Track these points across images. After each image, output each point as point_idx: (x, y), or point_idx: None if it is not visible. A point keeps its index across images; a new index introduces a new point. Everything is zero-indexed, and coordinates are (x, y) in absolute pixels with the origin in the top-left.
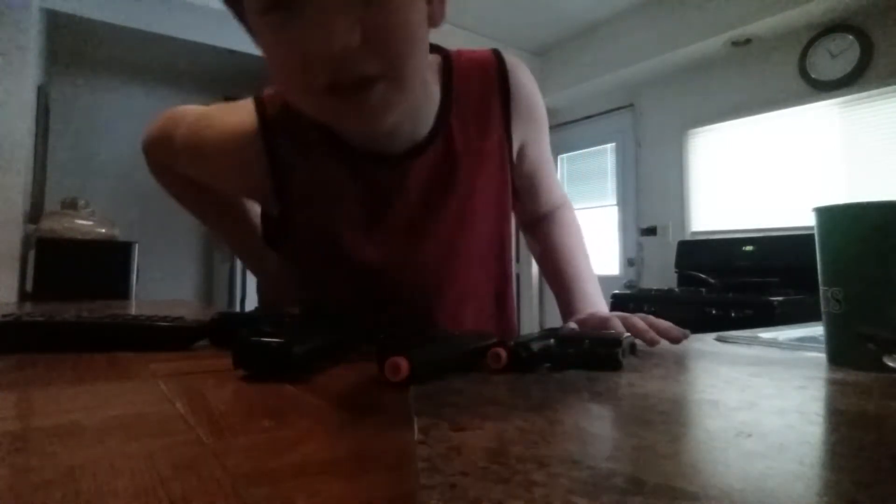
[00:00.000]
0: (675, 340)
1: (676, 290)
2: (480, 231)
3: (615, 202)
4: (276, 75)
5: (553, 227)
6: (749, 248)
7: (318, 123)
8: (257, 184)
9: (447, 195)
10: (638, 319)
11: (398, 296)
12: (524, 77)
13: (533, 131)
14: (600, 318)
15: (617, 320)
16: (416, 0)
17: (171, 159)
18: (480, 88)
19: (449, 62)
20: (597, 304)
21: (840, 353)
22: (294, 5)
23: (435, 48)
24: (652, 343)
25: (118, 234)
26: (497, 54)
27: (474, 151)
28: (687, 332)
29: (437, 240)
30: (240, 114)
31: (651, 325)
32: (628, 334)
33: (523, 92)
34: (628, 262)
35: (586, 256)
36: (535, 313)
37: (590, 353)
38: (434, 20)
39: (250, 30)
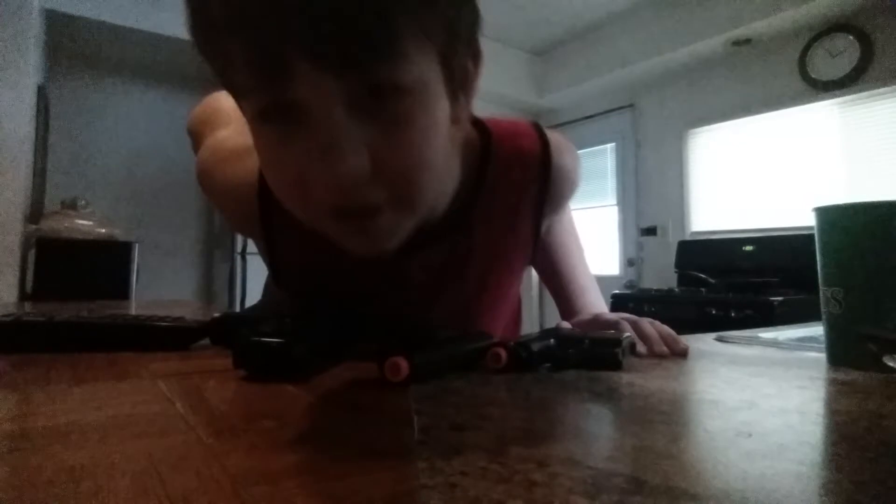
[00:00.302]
0: (682, 354)
1: (676, 290)
2: (490, 300)
3: (615, 202)
4: (272, 186)
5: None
6: (749, 248)
7: None
8: (254, 235)
9: (455, 285)
10: (648, 325)
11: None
12: (568, 161)
13: (563, 207)
14: (606, 320)
15: (627, 324)
16: (436, 115)
17: None
18: (517, 183)
19: (489, 147)
20: (597, 303)
21: (840, 353)
22: (295, 117)
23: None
24: (661, 356)
25: (118, 234)
26: (542, 138)
27: (494, 246)
28: (688, 346)
29: (440, 312)
30: (246, 165)
31: (659, 333)
32: (628, 334)
33: (564, 179)
34: (628, 262)
35: (583, 253)
36: (535, 313)
37: (590, 353)
38: (458, 119)
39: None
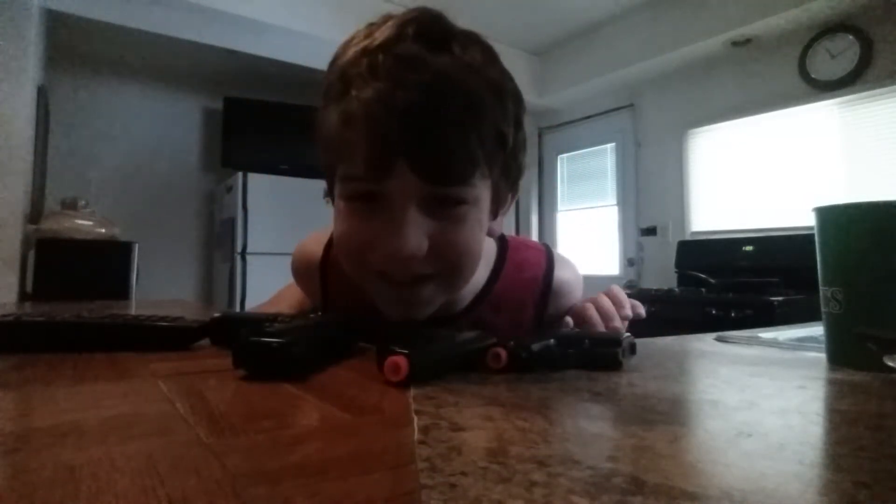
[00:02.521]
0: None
1: (676, 290)
2: None
3: (615, 202)
4: (339, 247)
5: None
6: (749, 248)
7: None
8: (316, 298)
9: None
10: (594, 311)
11: None
12: (568, 275)
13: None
14: (578, 311)
15: (595, 314)
16: (482, 218)
17: None
18: (525, 283)
19: (505, 253)
20: None
21: (840, 353)
22: (380, 202)
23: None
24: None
25: (118, 234)
26: (548, 253)
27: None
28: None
29: None
30: (317, 245)
31: (615, 302)
32: (628, 334)
33: (563, 288)
34: (628, 262)
35: None
36: None
37: (590, 353)
38: (492, 232)
39: (331, 191)
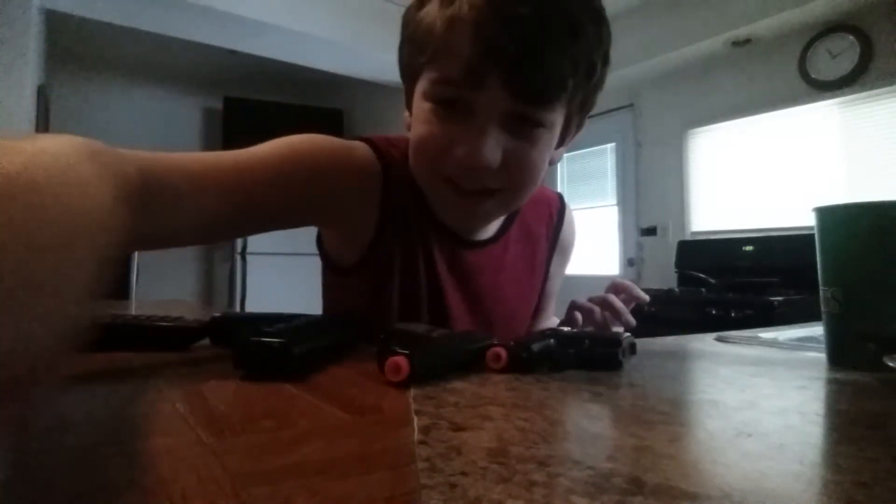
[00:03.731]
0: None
1: (676, 290)
2: (504, 331)
3: (615, 202)
4: (415, 147)
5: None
6: (749, 248)
7: (417, 191)
8: (361, 215)
9: (493, 292)
10: (597, 312)
11: None
12: (572, 227)
13: (560, 267)
14: (581, 305)
15: (598, 311)
16: (552, 145)
17: None
18: (540, 216)
19: None
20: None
21: (840, 353)
22: (463, 114)
23: None
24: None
25: None
26: (561, 199)
27: (519, 266)
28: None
29: (473, 325)
30: (360, 150)
31: (610, 309)
32: (628, 334)
33: (568, 239)
34: (628, 262)
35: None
36: None
37: (590, 353)
38: (552, 160)
39: (408, 97)
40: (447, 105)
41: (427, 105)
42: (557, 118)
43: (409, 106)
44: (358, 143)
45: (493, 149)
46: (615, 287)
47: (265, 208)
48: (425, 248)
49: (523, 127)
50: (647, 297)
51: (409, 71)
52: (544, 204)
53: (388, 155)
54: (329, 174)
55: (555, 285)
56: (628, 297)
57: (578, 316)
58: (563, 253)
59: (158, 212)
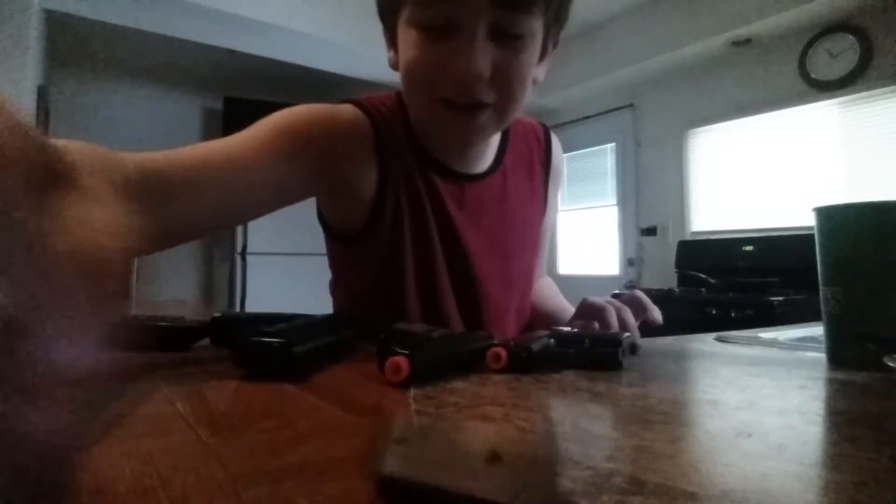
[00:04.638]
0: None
1: (676, 290)
2: (520, 262)
3: (615, 202)
4: (408, 79)
5: (540, 288)
6: (749, 248)
7: (411, 136)
8: (359, 175)
9: (502, 222)
10: (631, 317)
11: (445, 304)
12: (560, 151)
13: (554, 198)
14: (593, 303)
15: (613, 311)
16: (535, 56)
17: None
18: (530, 145)
19: (507, 128)
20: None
21: (840, 353)
22: (450, 33)
23: None
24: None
25: None
26: (545, 127)
27: (521, 191)
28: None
29: (492, 260)
30: (346, 110)
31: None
32: (628, 334)
33: (558, 163)
34: (628, 262)
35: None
36: None
37: (590, 353)
38: (536, 80)
39: (390, 33)
40: (432, 29)
41: (413, 32)
42: (537, 27)
43: (391, 43)
44: (342, 105)
45: (482, 59)
46: (633, 300)
47: (265, 190)
48: (430, 190)
49: (507, 38)
50: (660, 321)
51: (389, 4)
52: (531, 131)
53: (375, 110)
54: (320, 140)
55: (552, 217)
56: (639, 311)
57: (595, 325)
58: (556, 179)
59: (162, 208)
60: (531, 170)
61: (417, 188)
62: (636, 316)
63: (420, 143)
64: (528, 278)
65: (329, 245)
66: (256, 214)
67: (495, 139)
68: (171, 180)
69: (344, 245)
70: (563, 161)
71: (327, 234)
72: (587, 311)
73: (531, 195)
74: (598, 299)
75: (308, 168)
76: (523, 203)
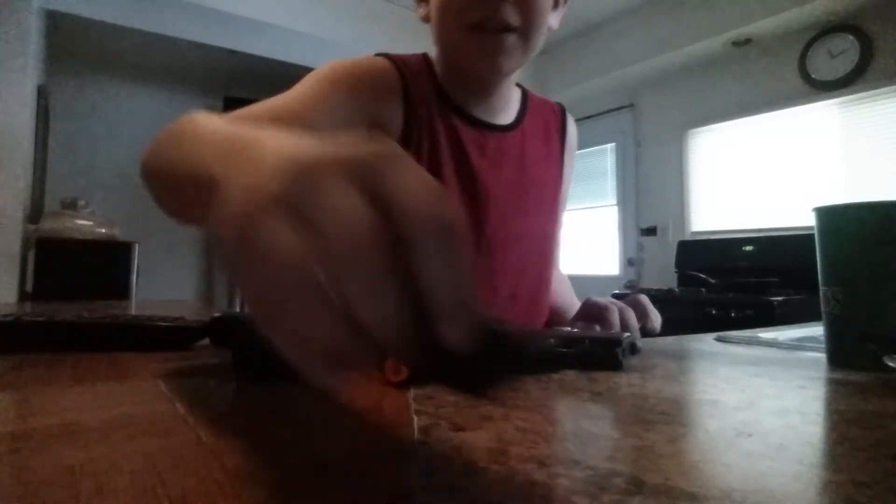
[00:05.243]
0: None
1: (676, 290)
2: (536, 220)
3: (615, 202)
4: (442, 12)
5: (555, 283)
6: (749, 248)
7: (437, 87)
8: (389, 114)
9: (521, 175)
10: (634, 319)
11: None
12: (574, 128)
13: (569, 171)
14: (595, 302)
15: (616, 312)
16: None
17: None
18: (547, 117)
19: (526, 95)
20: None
21: (840, 353)
22: None
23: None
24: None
25: (118, 234)
26: (561, 105)
27: (538, 154)
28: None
29: (508, 210)
30: (377, 59)
31: (640, 312)
32: (628, 334)
33: (573, 137)
34: (628, 262)
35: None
36: None
37: (590, 353)
38: (550, 26)
39: None
40: None
41: None
42: None
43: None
44: (372, 56)
45: None
46: (635, 303)
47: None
48: (451, 133)
49: None
50: (657, 329)
51: None
52: (547, 105)
53: (402, 61)
54: (362, 83)
55: (565, 191)
56: (640, 315)
57: (597, 327)
58: (571, 153)
59: None
60: (548, 137)
61: (437, 129)
62: (637, 319)
63: (446, 93)
64: (543, 245)
65: None
66: None
67: (516, 98)
68: None
69: None
70: (576, 138)
71: None
72: (590, 312)
73: (547, 161)
74: (602, 299)
75: (355, 109)
76: (540, 165)
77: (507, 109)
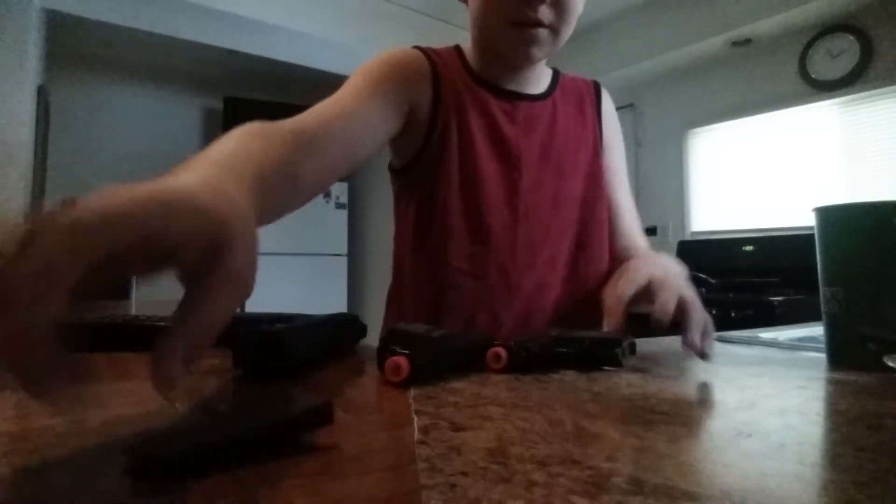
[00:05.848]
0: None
1: None
2: (573, 183)
3: None
4: (484, 7)
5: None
6: (749, 248)
7: (467, 68)
8: (421, 98)
9: (554, 139)
10: (711, 328)
11: (491, 224)
12: (611, 101)
13: (615, 139)
14: (684, 298)
15: (699, 318)
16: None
17: None
18: (580, 88)
19: (557, 72)
20: (646, 247)
21: (840, 353)
22: None
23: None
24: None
25: None
26: (595, 80)
27: (571, 119)
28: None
29: (544, 171)
30: (408, 49)
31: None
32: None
33: (610, 109)
34: None
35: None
36: None
37: (589, 353)
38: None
39: None
40: None
41: None
42: None
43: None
44: (404, 48)
45: None
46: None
47: (377, 132)
48: (481, 104)
49: None
50: (711, 357)
51: None
52: (580, 79)
53: (431, 51)
54: (400, 73)
55: (616, 159)
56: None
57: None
58: (610, 123)
59: (313, 157)
60: (581, 104)
61: (465, 104)
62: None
63: (476, 73)
64: (586, 208)
65: (395, 192)
66: (367, 158)
67: (547, 73)
68: (315, 133)
69: (406, 177)
70: (614, 110)
71: (394, 177)
72: (661, 287)
73: (582, 126)
74: (688, 292)
75: (398, 98)
76: (573, 130)
77: (537, 83)
